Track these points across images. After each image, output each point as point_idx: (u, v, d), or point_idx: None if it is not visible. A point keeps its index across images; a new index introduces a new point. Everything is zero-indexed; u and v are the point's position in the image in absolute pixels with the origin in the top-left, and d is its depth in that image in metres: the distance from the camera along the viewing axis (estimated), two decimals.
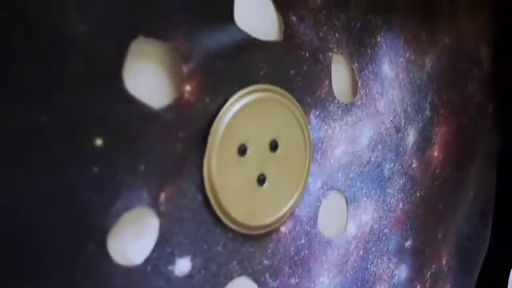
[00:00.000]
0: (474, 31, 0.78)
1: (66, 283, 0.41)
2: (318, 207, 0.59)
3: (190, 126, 0.46)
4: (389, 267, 0.71)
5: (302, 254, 0.59)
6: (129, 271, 0.44)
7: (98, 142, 0.40)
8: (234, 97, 0.49)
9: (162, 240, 0.47)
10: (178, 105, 0.45)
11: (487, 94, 0.82)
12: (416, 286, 0.77)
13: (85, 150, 0.40)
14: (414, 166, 0.71)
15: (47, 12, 0.36)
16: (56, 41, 0.37)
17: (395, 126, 0.67)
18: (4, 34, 0.35)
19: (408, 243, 0.73)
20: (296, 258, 0.58)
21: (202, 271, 0.50)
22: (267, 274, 0.56)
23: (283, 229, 0.57)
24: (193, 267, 0.49)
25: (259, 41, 0.51)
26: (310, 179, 0.58)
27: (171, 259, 0.47)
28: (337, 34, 0.58)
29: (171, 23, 0.44)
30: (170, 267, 0.48)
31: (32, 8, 0.35)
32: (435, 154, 0.74)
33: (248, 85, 0.50)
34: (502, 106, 0.85)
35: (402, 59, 0.67)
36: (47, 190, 0.38)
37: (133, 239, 0.45)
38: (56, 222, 0.39)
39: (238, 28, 0.49)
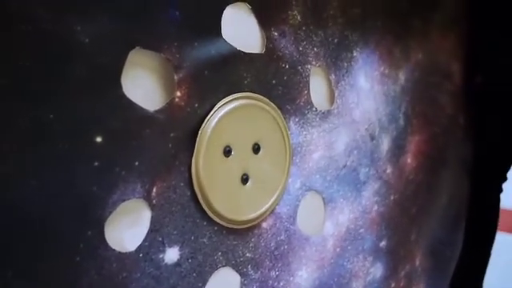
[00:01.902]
0: (447, 48, 0.84)
1: (67, 264, 0.45)
2: (297, 206, 0.65)
3: (180, 128, 0.52)
4: (364, 265, 0.76)
5: (282, 248, 0.64)
6: (123, 257, 0.49)
7: (98, 139, 0.45)
8: (220, 103, 0.54)
9: (154, 230, 0.52)
10: (169, 109, 0.51)
11: (458, 106, 0.87)
12: (391, 284, 0.82)
13: (86, 146, 0.45)
14: (388, 171, 0.77)
15: (58, 25, 0.42)
16: (64, 50, 0.43)
17: (370, 134, 0.72)
18: (21, 43, 0.40)
19: (383, 243, 0.78)
20: (276, 253, 0.63)
21: (189, 260, 0.55)
22: (249, 266, 0.61)
23: (264, 225, 0.62)
24: (181, 256, 0.54)
25: (244, 53, 0.56)
26: (289, 180, 0.63)
27: (161, 248, 0.52)
28: (315, 49, 0.64)
29: (165, 36, 0.49)
30: (161, 255, 0.53)
31: (45, 22, 0.41)
32: (408, 160, 0.80)
33: (233, 92, 0.56)
34: (472, 117, 0.91)
35: (376, 72, 0.73)
36: (53, 180, 0.43)
37: (127, 228, 0.50)
38: (60, 210, 0.44)
39: (225, 41, 0.54)
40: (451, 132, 0.87)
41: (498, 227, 1.00)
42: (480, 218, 1.00)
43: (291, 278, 0.66)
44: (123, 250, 0.49)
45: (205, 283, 0.56)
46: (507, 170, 0.98)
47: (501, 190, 1.01)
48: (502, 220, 1.00)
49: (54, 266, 0.45)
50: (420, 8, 0.78)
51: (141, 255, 0.51)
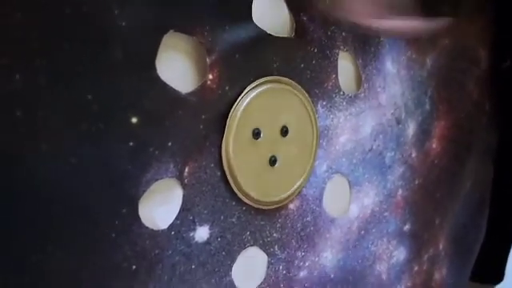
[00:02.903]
0: (473, 33, 0.84)
1: (103, 240, 0.47)
2: (323, 188, 0.66)
3: (211, 110, 0.53)
4: (388, 248, 0.77)
5: (308, 229, 0.65)
6: (156, 234, 0.51)
7: (134, 120, 0.47)
8: (250, 86, 0.56)
9: (185, 209, 0.53)
10: (201, 91, 0.52)
11: (485, 92, 0.87)
12: (414, 267, 0.83)
13: (122, 127, 0.47)
14: (413, 155, 0.77)
15: (96, 8, 0.43)
16: (101, 33, 0.44)
17: (396, 118, 0.73)
18: (60, 25, 0.42)
19: (406, 227, 0.79)
20: (302, 234, 0.65)
21: (219, 239, 0.57)
22: (276, 246, 0.62)
23: (291, 206, 0.63)
24: (210, 235, 0.56)
25: (273, 37, 0.57)
26: (316, 163, 0.64)
27: (192, 226, 0.54)
28: (343, 33, 0.64)
29: (197, 20, 0.50)
30: (191, 233, 0.54)
31: (85, 5, 0.42)
32: (434, 145, 0.81)
33: (262, 76, 0.57)
34: (498, 103, 0.90)
35: (403, 57, 0.73)
36: (91, 159, 0.45)
37: (160, 206, 0.51)
38: (96, 187, 0.46)
39: (255, 25, 0.55)
40: (476, 118, 0.87)
41: None
42: (504, 204, 1.00)
43: (316, 259, 0.67)
44: (156, 228, 0.51)
45: (233, 261, 0.58)
46: None
47: None
48: None
49: (91, 241, 0.47)
50: None
51: (172, 233, 0.53)
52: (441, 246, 0.88)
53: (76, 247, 0.46)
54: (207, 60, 0.52)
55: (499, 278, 1.09)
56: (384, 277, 0.78)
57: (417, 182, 0.79)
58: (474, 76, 0.85)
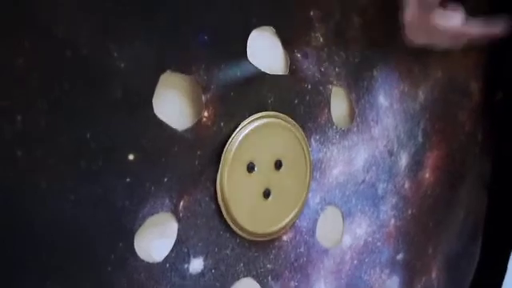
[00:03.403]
0: (466, 66, 0.86)
1: (100, 274, 0.49)
2: (317, 220, 0.67)
3: (206, 146, 0.55)
4: (381, 277, 0.78)
5: (301, 260, 0.67)
6: (151, 267, 0.53)
7: (131, 157, 0.49)
8: (245, 122, 0.57)
9: (180, 241, 0.55)
10: (197, 128, 0.54)
11: (477, 123, 0.89)
12: None
13: (120, 163, 0.48)
14: (406, 186, 0.79)
15: (97, 51, 0.45)
16: (101, 74, 0.46)
17: (388, 150, 0.74)
18: (62, 68, 0.43)
19: (399, 256, 0.80)
20: (296, 264, 0.66)
21: (213, 270, 0.58)
22: (269, 277, 0.64)
23: (285, 237, 0.65)
24: (205, 267, 0.57)
25: (268, 74, 0.59)
26: (309, 195, 0.66)
27: (187, 258, 0.56)
28: (337, 69, 0.66)
29: (194, 60, 0.52)
30: (186, 265, 0.56)
31: (85, 48, 0.44)
32: (426, 176, 0.82)
33: (257, 111, 0.58)
34: (491, 134, 0.92)
35: (396, 91, 0.75)
36: (89, 195, 0.47)
37: (155, 239, 0.53)
38: (94, 223, 0.48)
39: (250, 63, 0.57)
40: (469, 148, 0.89)
41: None
42: (497, 233, 1.01)
43: None
44: (151, 261, 0.53)
45: None
46: None
47: None
48: None
49: (88, 276, 0.48)
50: None
51: (167, 265, 0.54)
52: (434, 275, 0.89)
53: (74, 282, 0.47)
54: (203, 98, 0.53)
55: None
56: None
57: (410, 212, 0.80)
58: (467, 108, 0.87)
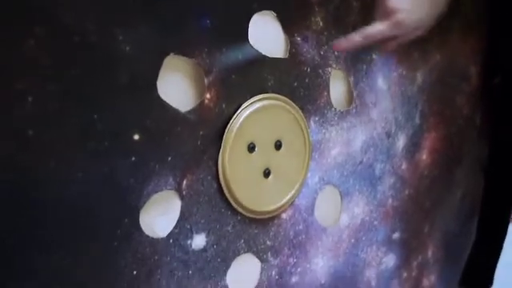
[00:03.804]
0: (465, 50, 0.88)
1: (106, 248, 0.51)
2: (315, 199, 0.70)
3: (208, 127, 0.57)
4: (377, 255, 0.81)
5: (300, 237, 0.69)
6: (155, 242, 0.55)
7: (136, 137, 0.51)
8: (246, 103, 0.59)
9: (183, 218, 0.57)
10: (199, 109, 0.56)
11: (475, 107, 0.91)
12: (403, 273, 0.87)
13: (125, 143, 0.50)
14: (403, 167, 0.81)
15: (103, 36, 0.47)
16: (107, 58, 0.48)
17: (386, 132, 0.76)
18: (72, 53, 0.45)
19: (396, 235, 0.83)
20: (294, 241, 0.69)
21: (215, 246, 0.60)
22: (269, 253, 0.66)
23: (284, 215, 0.67)
24: (207, 243, 0.60)
25: (268, 58, 0.61)
26: (308, 174, 0.68)
27: (190, 235, 0.58)
28: (336, 52, 0.68)
29: (196, 43, 0.54)
30: (189, 241, 0.58)
31: (92, 34, 0.46)
32: (424, 157, 0.84)
33: (258, 94, 0.60)
34: (489, 117, 0.94)
35: (394, 74, 0.77)
36: (96, 174, 0.49)
37: (159, 216, 0.55)
38: (101, 200, 0.50)
39: (251, 47, 0.59)
40: (467, 131, 0.91)
41: None
42: (493, 213, 1.03)
43: (308, 265, 0.71)
44: (155, 236, 0.55)
45: (228, 267, 0.62)
46: None
47: None
48: None
49: (96, 249, 0.51)
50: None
51: (171, 241, 0.56)
52: (430, 253, 0.91)
53: (83, 254, 0.49)
54: (205, 80, 0.55)
55: (488, 283, 1.12)
56: (373, 283, 0.81)
57: (407, 192, 0.83)
58: (465, 92, 0.88)
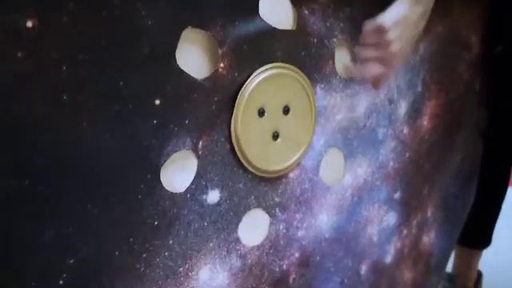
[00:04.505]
0: (466, 20, 0.92)
1: (131, 200, 0.58)
2: (320, 160, 0.75)
3: (222, 93, 0.62)
4: (379, 213, 0.87)
5: (306, 195, 0.75)
6: (174, 196, 0.61)
7: (157, 101, 0.57)
8: (256, 72, 0.65)
9: (199, 176, 0.63)
10: (214, 77, 0.61)
11: (475, 74, 0.95)
12: (403, 231, 0.93)
13: (148, 107, 0.56)
14: (405, 132, 0.86)
15: (128, 11, 0.52)
16: (131, 31, 0.53)
17: (388, 99, 0.82)
18: (99, 26, 0.51)
19: (397, 195, 0.89)
20: (301, 198, 0.75)
21: (227, 201, 0.67)
22: (277, 209, 0.72)
23: (291, 175, 0.73)
24: (220, 198, 0.66)
25: (277, 30, 0.66)
26: (314, 138, 0.73)
27: (205, 190, 0.64)
28: (341, 24, 0.73)
29: (211, 17, 0.59)
30: (204, 196, 0.64)
31: (116, 9, 0.52)
32: (425, 123, 0.89)
33: (267, 63, 0.66)
34: (488, 85, 0.98)
35: None
36: (121, 134, 0.55)
37: (178, 173, 0.62)
38: (126, 157, 0.56)
39: (262, 19, 0.64)
40: (467, 98, 0.96)
41: None
42: (492, 176, 1.09)
43: (313, 221, 0.77)
44: (174, 191, 0.61)
45: (239, 221, 0.68)
46: None
47: None
48: None
49: (123, 201, 0.57)
50: None
51: (188, 195, 0.63)
52: (429, 213, 0.97)
53: (111, 207, 0.56)
54: (219, 51, 0.61)
55: (487, 242, 1.18)
56: (375, 238, 0.88)
57: (407, 155, 0.88)
58: (465, 60, 0.93)
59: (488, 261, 1.25)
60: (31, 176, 0.50)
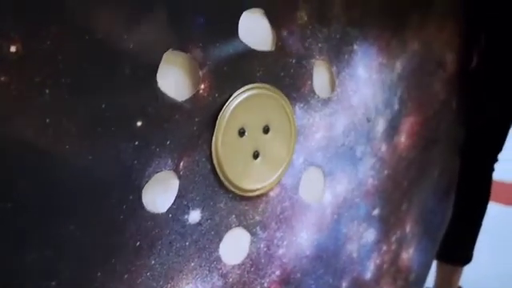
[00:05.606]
0: (442, 38, 0.94)
1: (114, 221, 0.58)
2: (300, 178, 0.76)
3: (203, 114, 0.63)
4: (358, 230, 0.88)
5: (286, 213, 0.76)
6: (156, 217, 0.62)
7: (139, 123, 0.57)
8: (237, 92, 0.66)
9: (180, 196, 0.64)
10: (195, 98, 0.62)
11: (451, 92, 0.98)
12: (382, 247, 0.94)
13: (129, 129, 0.57)
14: (383, 149, 0.88)
15: (110, 35, 0.53)
16: (113, 54, 0.54)
17: (366, 117, 0.83)
18: (83, 49, 0.52)
19: (376, 212, 0.90)
20: (281, 217, 0.75)
21: (209, 221, 0.67)
22: (258, 227, 0.73)
23: (272, 193, 0.74)
24: (202, 217, 0.66)
25: (257, 51, 0.67)
26: (294, 156, 0.75)
27: (186, 210, 0.65)
28: (319, 44, 0.74)
29: (192, 39, 0.60)
30: (186, 216, 0.65)
31: (100, 33, 0.52)
32: (402, 140, 0.91)
33: (247, 83, 0.67)
34: (465, 102, 1.01)
35: (375, 63, 0.83)
36: (104, 156, 0.55)
37: (160, 193, 0.62)
38: (108, 179, 0.56)
39: (241, 41, 0.65)
40: (443, 115, 0.98)
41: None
42: (470, 191, 1.11)
43: (294, 239, 0.78)
44: (156, 211, 0.62)
45: (221, 240, 0.69)
46: (496, 147, 1.09)
47: (492, 167, 1.12)
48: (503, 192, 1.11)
49: (105, 222, 0.57)
50: (417, 5, 0.88)
51: (170, 215, 0.63)
52: (408, 229, 0.98)
53: (94, 226, 0.56)
54: (200, 72, 0.62)
55: (468, 259, 1.20)
56: (355, 255, 0.89)
57: (386, 173, 0.89)
58: (442, 78, 0.95)
59: (469, 277, 1.27)
60: (13, 199, 0.50)
